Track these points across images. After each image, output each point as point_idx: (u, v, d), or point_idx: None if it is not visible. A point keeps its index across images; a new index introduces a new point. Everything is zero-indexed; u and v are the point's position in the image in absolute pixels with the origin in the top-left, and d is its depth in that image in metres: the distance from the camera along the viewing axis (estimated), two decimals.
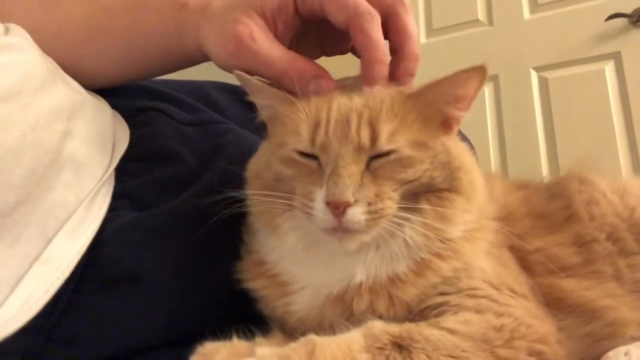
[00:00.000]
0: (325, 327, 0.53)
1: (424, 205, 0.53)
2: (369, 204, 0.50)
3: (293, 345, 0.46)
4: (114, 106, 0.78)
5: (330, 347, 0.45)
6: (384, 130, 0.51)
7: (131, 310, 0.61)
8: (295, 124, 0.54)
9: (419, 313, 0.53)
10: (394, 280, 0.53)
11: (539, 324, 0.52)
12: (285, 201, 0.55)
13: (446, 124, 0.56)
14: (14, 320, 0.53)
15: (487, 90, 2.31)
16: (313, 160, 0.53)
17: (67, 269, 0.58)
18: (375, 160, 0.52)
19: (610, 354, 0.50)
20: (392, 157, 0.52)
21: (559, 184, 0.70)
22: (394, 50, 0.59)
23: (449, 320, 0.50)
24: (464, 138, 0.95)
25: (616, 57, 2.11)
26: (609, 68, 2.12)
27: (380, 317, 0.52)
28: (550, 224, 0.64)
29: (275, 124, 0.60)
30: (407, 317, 0.53)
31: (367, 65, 0.57)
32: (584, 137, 2.03)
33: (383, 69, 0.57)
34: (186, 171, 0.73)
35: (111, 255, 0.62)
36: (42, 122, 0.59)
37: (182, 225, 0.65)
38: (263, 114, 0.62)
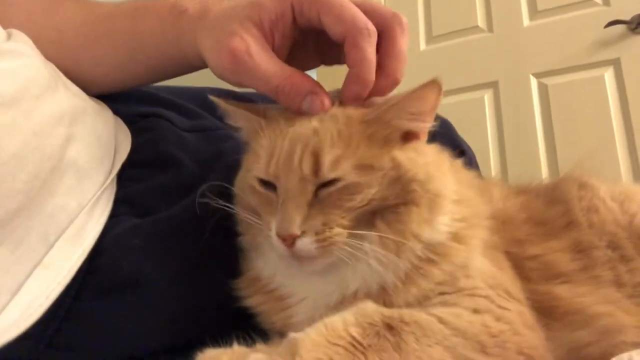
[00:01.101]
0: None
1: (379, 224, 0.53)
2: (317, 233, 0.51)
3: (278, 348, 0.46)
4: (115, 112, 0.78)
5: (310, 337, 0.45)
6: (326, 159, 0.51)
7: (132, 317, 0.61)
8: (257, 151, 0.56)
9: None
10: (385, 289, 0.53)
11: (531, 335, 0.52)
12: (259, 224, 0.56)
13: (410, 136, 0.56)
14: (15, 326, 0.53)
15: (487, 96, 2.32)
16: (272, 190, 0.55)
17: (68, 275, 0.58)
18: (322, 189, 0.52)
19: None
20: (338, 185, 0.52)
21: (557, 189, 0.70)
22: (378, 65, 0.58)
23: (439, 310, 0.50)
24: (455, 144, 0.95)
25: (615, 63, 2.12)
26: (608, 74, 2.12)
27: None
28: (549, 230, 0.64)
29: (248, 148, 0.62)
30: None
31: (352, 81, 0.57)
32: (584, 142, 2.03)
33: (364, 90, 0.57)
34: (187, 177, 0.73)
35: (112, 261, 0.62)
36: (45, 128, 0.59)
37: (183, 231, 0.65)
38: (242, 135, 0.64)
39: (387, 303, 0.53)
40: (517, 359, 0.50)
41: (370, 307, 0.49)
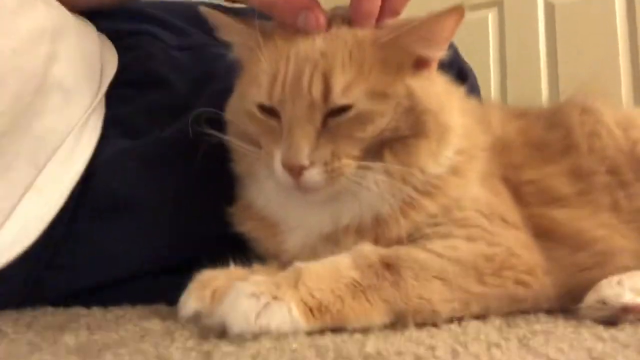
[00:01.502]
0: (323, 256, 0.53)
1: (387, 155, 0.51)
2: (326, 164, 0.49)
3: (282, 273, 0.47)
4: (100, 30, 0.74)
5: (316, 269, 0.46)
6: (337, 83, 0.48)
7: (128, 238, 0.61)
8: (256, 74, 0.52)
9: (408, 242, 0.54)
10: (379, 220, 0.53)
11: (528, 255, 0.53)
12: (256, 153, 0.54)
13: (421, 64, 0.53)
14: (10, 248, 0.54)
15: (491, 15, 2.23)
16: (274, 117, 0.51)
17: (61, 198, 0.58)
18: (332, 117, 0.49)
19: (603, 282, 0.51)
20: (349, 114, 0.49)
21: (558, 113, 0.68)
22: None
23: (436, 244, 0.51)
24: (461, 70, 0.92)
25: None
26: None
27: None
28: (547, 154, 0.63)
29: (243, 70, 0.57)
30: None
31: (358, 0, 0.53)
32: (587, 65, 1.98)
33: (373, 6, 0.53)
34: (177, 98, 0.71)
35: (105, 184, 0.62)
36: (24, 45, 0.56)
37: (176, 154, 0.64)
38: (235, 53, 0.59)
39: (379, 236, 0.53)
40: (516, 289, 0.51)
41: (367, 249, 0.49)
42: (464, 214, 0.55)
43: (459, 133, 0.55)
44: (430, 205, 0.53)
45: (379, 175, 0.51)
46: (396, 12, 0.55)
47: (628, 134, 0.64)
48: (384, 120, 0.50)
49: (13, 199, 0.55)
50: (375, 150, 0.52)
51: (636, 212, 0.58)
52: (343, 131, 0.50)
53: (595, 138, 0.63)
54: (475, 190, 0.56)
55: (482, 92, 1.07)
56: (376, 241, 0.53)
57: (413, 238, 0.53)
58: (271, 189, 0.57)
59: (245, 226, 0.60)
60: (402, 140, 0.52)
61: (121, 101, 0.68)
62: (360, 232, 0.54)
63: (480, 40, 2.24)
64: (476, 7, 2.28)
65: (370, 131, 0.50)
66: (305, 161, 0.48)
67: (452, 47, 1.00)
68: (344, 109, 0.49)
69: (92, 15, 0.74)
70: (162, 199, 0.63)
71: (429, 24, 0.50)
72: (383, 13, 0.54)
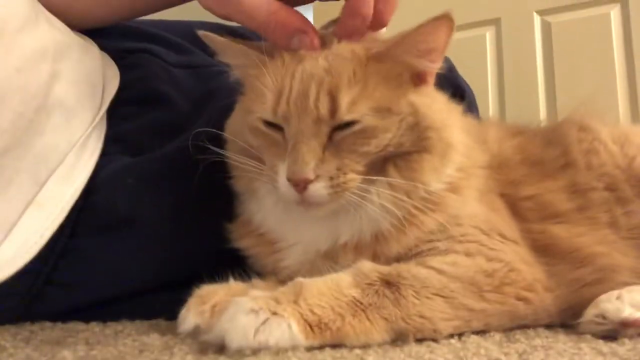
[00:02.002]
0: (321, 274, 0.53)
1: (391, 170, 0.52)
2: (331, 178, 0.49)
3: (282, 288, 0.47)
4: (102, 48, 0.75)
5: (317, 285, 0.46)
6: (344, 99, 0.49)
7: (128, 254, 0.61)
8: (260, 90, 0.52)
9: (407, 259, 0.53)
10: (378, 237, 0.53)
11: (527, 270, 0.53)
12: (258, 168, 0.54)
13: (419, 78, 0.54)
14: (10, 264, 0.54)
15: (489, 34, 2.25)
16: (278, 131, 0.52)
17: (62, 213, 0.58)
18: (337, 132, 0.50)
19: (603, 297, 0.51)
20: (354, 128, 0.50)
21: (556, 130, 0.69)
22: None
23: (436, 261, 0.51)
24: (458, 88, 0.93)
25: (623, 1, 2.05)
26: (614, 12, 2.06)
27: None
28: (545, 171, 0.63)
29: (246, 87, 0.58)
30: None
31: (349, 15, 0.54)
32: (584, 82, 2.00)
33: (361, 24, 0.54)
34: (178, 116, 0.71)
35: (106, 200, 0.62)
36: (27, 64, 0.57)
37: (176, 171, 0.65)
38: (235, 74, 0.60)
39: (378, 252, 0.53)
40: (517, 305, 0.50)
41: (367, 266, 0.49)
42: (462, 230, 0.54)
43: (460, 150, 0.56)
44: (429, 222, 0.53)
45: (382, 189, 0.51)
46: (382, 24, 0.56)
47: (625, 151, 0.64)
48: (388, 135, 0.51)
49: (14, 214, 0.55)
50: (379, 166, 0.52)
51: (635, 229, 0.59)
52: (348, 146, 0.50)
53: (593, 155, 0.64)
54: (473, 207, 0.57)
55: (480, 109, 1.07)
56: (375, 258, 0.53)
57: (411, 254, 0.53)
58: (271, 205, 0.57)
59: (244, 242, 0.60)
60: (405, 155, 0.52)
61: (122, 119, 0.69)
62: (359, 249, 0.54)
63: (478, 58, 2.26)
64: (474, 25, 2.31)
65: (374, 145, 0.50)
66: (311, 175, 0.49)
67: (450, 65, 1.01)
68: (349, 124, 0.50)
69: (94, 34, 0.75)
70: (162, 215, 0.63)
71: (419, 33, 0.51)
72: (370, 26, 0.55)
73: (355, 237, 0.54)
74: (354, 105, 0.49)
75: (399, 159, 0.52)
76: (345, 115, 0.49)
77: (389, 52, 0.51)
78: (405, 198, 0.52)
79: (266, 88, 0.52)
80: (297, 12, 0.55)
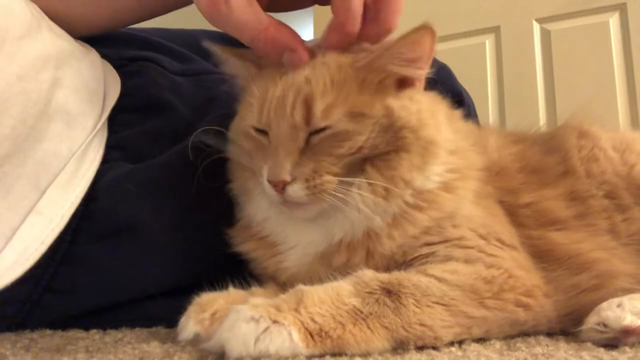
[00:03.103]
0: (315, 282, 0.53)
1: (369, 170, 0.53)
2: (307, 180, 0.52)
3: (283, 296, 0.47)
4: (103, 56, 0.75)
5: (318, 293, 0.46)
6: (318, 107, 0.52)
7: (128, 261, 0.61)
8: (250, 99, 0.57)
9: (406, 265, 0.54)
10: (370, 235, 0.54)
11: (526, 276, 0.53)
12: (252, 169, 0.57)
13: (406, 83, 0.56)
14: (11, 270, 0.54)
15: (488, 42, 2.26)
16: (265, 136, 0.55)
17: (62, 220, 0.58)
18: (314, 136, 0.53)
19: (604, 305, 0.51)
20: (328, 132, 0.52)
21: (556, 137, 0.69)
22: (372, 12, 0.56)
23: (436, 269, 0.51)
24: (457, 95, 0.93)
25: (621, 8, 2.06)
26: (613, 20, 2.07)
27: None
28: (545, 178, 0.63)
29: (243, 95, 0.61)
30: (395, 269, 0.54)
31: (334, 30, 0.55)
32: (584, 90, 2.01)
33: (345, 41, 0.55)
34: (179, 122, 0.72)
35: (107, 207, 0.62)
36: (29, 71, 0.57)
37: (177, 178, 0.65)
38: (238, 82, 0.64)
39: (371, 250, 0.54)
40: (516, 311, 0.51)
41: (368, 275, 0.49)
42: (459, 232, 0.55)
43: (448, 148, 0.57)
44: (422, 219, 0.54)
45: (362, 190, 0.53)
46: (388, 31, 0.57)
47: (624, 158, 0.64)
48: (361, 138, 0.53)
49: (15, 221, 0.55)
50: (358, 167, 0.54)
51: (634, 235, 0.59)
52: (323, 149, 0.53)
53: (593, 162, 0.64)
54: (470, 209, 0.57)
55: (480, 117, 1.08)
56: (369, 256, 0.54)
57: (410, 258, 0.54)
58: (266, 205, 0.59)
59: (244, 246, 0.61)
60: (384, 155, 0.54)
61: (124, 126, 0.69)
62: (352, 247, 0.54)
63: (478, 66, 2.27)
64: (474, 33, 2.32)
65: (347, 148, 0.53)
66: (287, 176, 0.52)
67: (448, 72, 1.02)
68: (324, 129, 0.53)
69: (95, 42, 0.75)
70: (162, 222, 0.63)
71: (402, 44, 0.53)
72: (379, 32, 0.56)
73: (348, 235, 0.55)
74: (328, 112, 0.52)
75: (377, 159, 0.54)
76: (319, 122, 0.52)
77: (373, 63, 0.53)
78: (384, 198, 0.53)
79: (253, 97, 0.56)
80: (286, 27, 0.56)
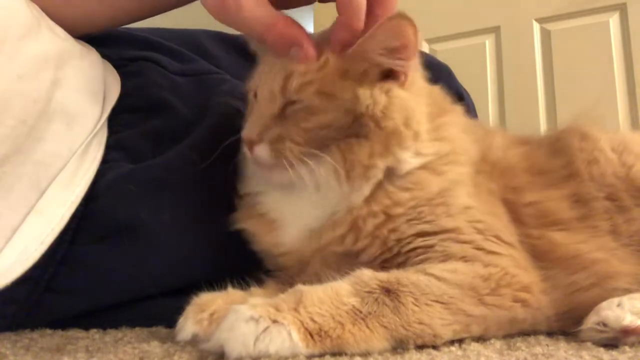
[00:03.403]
0: (307, 259, 0.58)
1: (334, 150, 0.57)
2: (272, 142, 0.57)
3: (282, 295, 0.47)
4: (103, 56, 0.75)
5: (317, 293, 0.46)
6: (294, 82, 0.57)
7: (128, 261, 0.61)
8: (256, 70, 0.64)
9: (405, 257, 0.54)
10: (353, 212, 0.56)
11: (523, 273, 0.53)
12: None
13: (391, 76, 0.58)
14: (12, 270, 0.54)
15: (488, 42, 2.27)
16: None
17: (62, 220, 0.58)
18: (288, 107, 0.58)
19: (604, 304, 0.51)
20: (300, 105, 0.57)
21: (560, 141, 0.69)
22: (367, 10, 0.57)
23: (436, 268, 0.51)
24: (454, 92, 0.94)
25: (622, 8, 2.06)
26: (613, 20, 2.07)
27: (359, 254, 0.56)
28: (550, 179, 0.64)
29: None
30: (391, 260, 0.55)
31: (340, 28, 0.56)
32: (584, 90, 2.01)
33: (352, 37, 0.56)
34: (180, 123, 0.72)
35: (107, 207, 0.62)
36: (30, 71, 0.57)
37: (177, 178, 0.65)
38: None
39: (354, 227, 0.56)
40: (514, 307, 0.51)
41: (366, 274, 0.49)
42: (454, 223, 0.55)
43: (423, 138, 0.59)
44: (406, 198, 0.56)
45: (323, 167, 0.56)
46: None
47: (623, 159, 0.65)
48: (327, 116, 0.57)
49: (15, 221, 0.55)
50: (326, 148, 0.57)
51: (635, 235, 0.59)
52: (292, 120, 0.57)
53: (594, 165, 0.64)
54: (466, 200, 0.57)
55: (480, 117, 1.08)
56: (355, 233, 0.56)
57: (404, 246, 0.55)
58: (251, 170, 0.64)
59: (245, 223, 0.63)
60: (347, 139, 0.57)
61: (124, 126, 0.69)
62: (338, 224, 0.57)
63: (478, 66, 2.27)
64: (474, 33, 2.32)
65: (312, 122, 0.57)
66: (254, 136, 0.58)
67: (448, 72, 1.02)
68: (296, 102, 0.57)
69: (95, 42, 0.75)
70: (162, 223, 0.63)
71: (381, 31, 0.55)
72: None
73: (335, 212, 0.57)
74: (301, 87, 0.57)
75: (342, 142, 0.57)
76: (291, 94, 0.57)
77: (357, 52, 0.57)
78: (348, 178, 0.56)
79: (257, 69, 0.64)
80: (295, 23, 0.57)
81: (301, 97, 0.57)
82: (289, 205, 0.60)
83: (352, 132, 0.57)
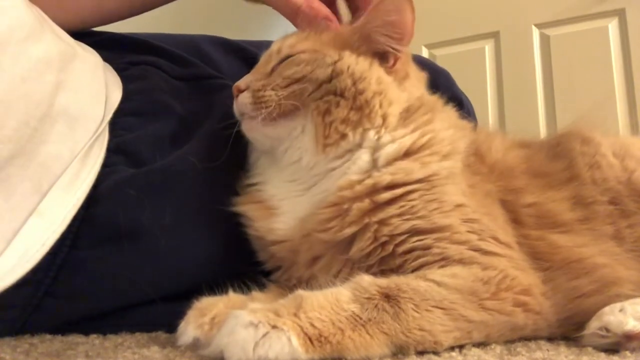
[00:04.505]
0: (297, 252, 0.58)
1: (314, 114, 0.60)
2: (254, 91, 0.62)
3: (282, 301, 0.47)
4: (105, 59, 0.75)
5: (317, 298, 0.46)
6: (287, 42, 0.66)
7: (128, 266, 0.61)
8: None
9: (401, 260, 0.54)
10: (337, 193, 0.57)
11: (522, 275, 0.53)
12: None
13: (382, 58, 0.64)
14: (12, 272, 0.53)
15: (488, 47, 2.27)
16: None
17: (64, 223, 0.58)
18: (279, 65, 0.64)
19: (606, 309, 0.51)
20: (289, 60, 0.64)
21: (561, 144, 0.69)
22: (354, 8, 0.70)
23: (436, 273, 0.51)
24: (456, 98, 0.94)
25: (620, 14, 2.07)
26: (612, 26, 2.08)
27: (348, 246, 0.56)
28: (550, 182, 0.64)
29: None
30: (388, 261, 0.55)
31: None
32: (583, 95, 2.01)
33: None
34: (180, 128, 0.72)
35: (107, 212, 0.62)
36: (33, 73, 0.57)
37: (177, 182, 0.65)
38: None
39: (342, 212, 0.56)
40: (515, 312, 0.50)
41: (366, 281, 0.49)
42: (448, 220, 0.55)
43: (393, 123, 0.61)
44: (388, 181, 0.57)
45: (303, 125, 0.61)
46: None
47: (624, 164, 0.65)
48: (307, 67, 0.62)
49: (17, 223, 0.55)
50: (306, 105, 0.61)
51: (639, 241, 0.58)
52: (278, 71, 0.63)
53: (596, 169, 0.64)
54: (459, 198, 0.57)
55: (480, 121, 1.08)
56: (342, 219, 0.56)
57: (399, 245, 0.54)
58: (258, 159, 0.68)
59: (244, 207, 0.64)
60: (326, 97, 0.60)
61: (124, 130, 0.69)
62: (327, 205, 0.57)
63: (478, 71, 2.28)
64: (473, 38, 2.33)
65: (294, 71, 0.62)
66: (242, 85, 0.64)
67: (447, 76, 1.02)
68: (287, 58, 0.64)
69: (97, 46, 0.76)
70: (163, 227, 0.63)
71: (380, 6, 0.61)
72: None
73: (325, 196, 0.58)
74: (293, 46, 0.65)
75: (321, 102, 0.60)
76: (285, 50, 0.65)
77: (356, 27, 0.64)
78: (325, 146, 0.59)
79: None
80: (322, 4, 0.70)
81: (293, 51, 0.64)
82: (286, 193, 0.62)
83: (331, 89, 0.60)
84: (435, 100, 0.68)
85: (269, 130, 0.62)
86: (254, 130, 0.63)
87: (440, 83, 0.95)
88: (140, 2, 0.82)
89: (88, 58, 0.70)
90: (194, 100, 0.76)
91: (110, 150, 0.66)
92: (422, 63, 1.02)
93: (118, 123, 0.69)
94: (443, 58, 2.26)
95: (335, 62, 0.61)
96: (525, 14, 2.22)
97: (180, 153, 0.68)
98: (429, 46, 2.34)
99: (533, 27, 2.21)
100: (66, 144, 0.60)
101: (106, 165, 0.64)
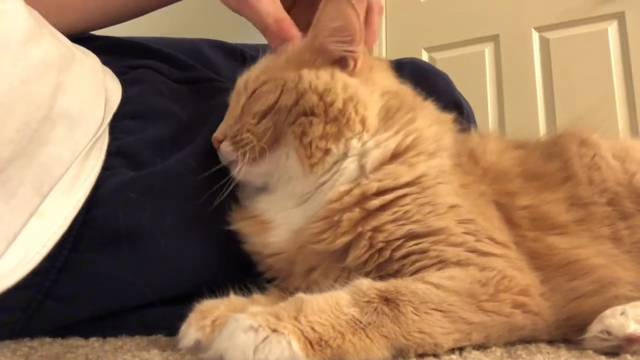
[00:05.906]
0: (293, 263, 0.59)
1: (290, 139, 0.60)
2: (232, 137, 0.63)
3: (282, 304, 0.47)
4: (105, 63, 0.76)
5: (318, 302, 0.46)
6: (253, 74, 0.66)
7: (129, 269, 0.61)
8: None
9: (399, 265, 0.54)
10: (327, 206, 0.57)
11: (520, 275, 0.53)
12: None
13: (342, 64, 0.64)
14: (13, 273, 0.53)
15: (488, 50, 2.28)
16: None
17: (64, 224, 0.58)
18: (247, 100, 0.65)
19: (607, 312, 0.51)
20: (253, 95, 0.64)
21: (557, 145, 0.69)
22: None
23: (434, 276, 0.51)
24: (455, 102, 0.94)
25: (620, 17, 2.07)
26: (612, 29, 2.08)
27: (343, 255, 0.55)
28: (545, 183, 0.63)
29: None
30: (385, 266, 0.55)
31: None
32: (583, 98, 2.02)
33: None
34: (180, 131, 0.72)
35: (108, 214, 0.62)
36: (33, 75, 0.58)
37: (178, 185, 0.65)
38: None
39: (334, 223, 0.56)
40: (514, 314, 0.50)
41: (365, 284, 0.49)
42: (443, 222, 0.55)
43: (374, 125, 0.61)
44: (377, 188, 0.56)
45: (286, 153, 0.61)
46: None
47: (625, 167, 0.64)
48: (272, 96, 0.62)
49: (17, 224, 0.55)
50: (283, 134, 0.61)
51: (638, 243, 0.58)
52: (247, 110, 0.64)
53: (595, 171, 0.64)
54: (453, 199, 0.57)
55: (480, 124, 1.08)
56: (334, 230, 0.56)
57: (396, 250, 0.54)
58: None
59: (239, 224, 0.65)
60: (298, 120, 0.60)
61: (125, 133, 0.69)
62: (319, 218, 0.57)
63: (478, 74, 2.28)
64: (473, 41, 2.33)
65: (260, 104, 0.62)
66: (219, 135, 0.65)
67: (447, 80, 1.03)
68: (252, 94, 0.64)
69: (97, 49, 0.76)
70: (163, 230, 0.63)
71: (323, 13, 0.62)
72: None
73: (317, 209, 0.58)
74: (257, 80, 0.65)
75: (295, 126, 0.60)
76: (250, 84, 0.66)
77: (307, 42, 0.64)
78: (312, 165, 0.59)
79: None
80: (294, 26, 0.68)
81: (257, 84, 0.64)
82: (278, 207, 0.63)
83: (300, 111, 0.60)
84: (413, 96, 0.68)
85: (258, 169, 0.62)
86: (243, 173, 0.63)
87: (440, 86, 0.95)
88: (145, 1, 0.83)
89: (87, 61, 0.71)
90: (194, 103, 0.77)
91: (111, 153, 0.66)
92: (421, 67, 1.03)
93: (118, 126, 0.69)
94: (443, 61, 2.27)
95: (297, 84, 0.61)
96: (524, 17, 2.22)
97: (181, 156, 0.68)
98: (429, 49, 2.34)
99: (533, 30, 2.21)
100: (66, 145, 0.60)
101: (106, 168, 0.64)
